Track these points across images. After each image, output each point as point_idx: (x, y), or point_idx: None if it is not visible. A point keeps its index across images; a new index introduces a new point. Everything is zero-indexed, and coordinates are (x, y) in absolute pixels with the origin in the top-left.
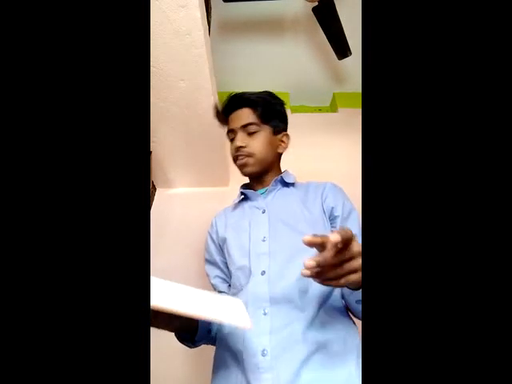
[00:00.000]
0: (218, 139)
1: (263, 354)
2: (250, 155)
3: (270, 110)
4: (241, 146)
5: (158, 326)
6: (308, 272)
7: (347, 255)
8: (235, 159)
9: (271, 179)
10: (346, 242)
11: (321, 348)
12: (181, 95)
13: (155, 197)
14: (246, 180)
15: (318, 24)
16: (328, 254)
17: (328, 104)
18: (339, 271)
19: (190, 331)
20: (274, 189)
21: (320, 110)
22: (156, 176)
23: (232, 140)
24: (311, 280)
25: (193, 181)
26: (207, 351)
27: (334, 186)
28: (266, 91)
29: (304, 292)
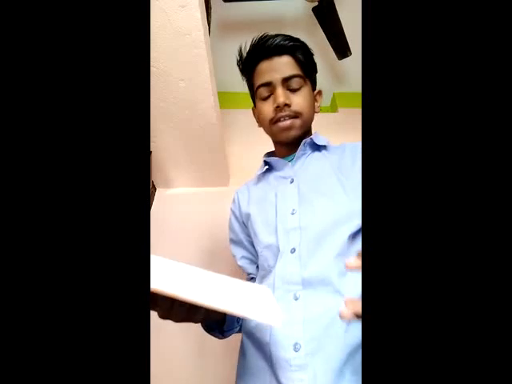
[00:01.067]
0: (218, 139)
1: (295, 349)
2: (296, 116)
3: (312, 61)
4: (286, 104)
5: (178, 320)
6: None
7: None
8: (275, 121)
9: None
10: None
11: None
12: (181, 95)
13: (155, 197)
14: (246, 177)
15: (318, 24)
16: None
17: (328, 104)
18: None
19: (218, 321)
20: (304, 154)
21: (320, 109)
22: (156, 176)
23: (267, 98)
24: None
25: (193, 181)
26: (208, 351)
27: None
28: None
29: (342, 272)
